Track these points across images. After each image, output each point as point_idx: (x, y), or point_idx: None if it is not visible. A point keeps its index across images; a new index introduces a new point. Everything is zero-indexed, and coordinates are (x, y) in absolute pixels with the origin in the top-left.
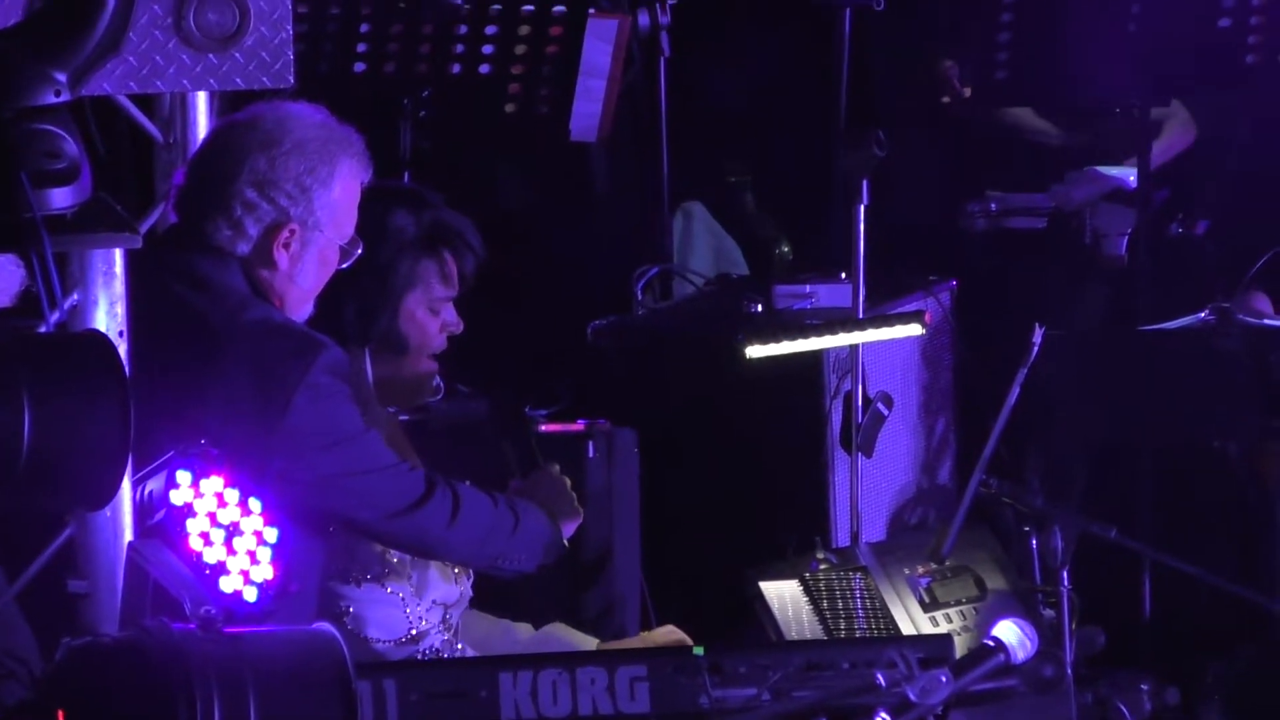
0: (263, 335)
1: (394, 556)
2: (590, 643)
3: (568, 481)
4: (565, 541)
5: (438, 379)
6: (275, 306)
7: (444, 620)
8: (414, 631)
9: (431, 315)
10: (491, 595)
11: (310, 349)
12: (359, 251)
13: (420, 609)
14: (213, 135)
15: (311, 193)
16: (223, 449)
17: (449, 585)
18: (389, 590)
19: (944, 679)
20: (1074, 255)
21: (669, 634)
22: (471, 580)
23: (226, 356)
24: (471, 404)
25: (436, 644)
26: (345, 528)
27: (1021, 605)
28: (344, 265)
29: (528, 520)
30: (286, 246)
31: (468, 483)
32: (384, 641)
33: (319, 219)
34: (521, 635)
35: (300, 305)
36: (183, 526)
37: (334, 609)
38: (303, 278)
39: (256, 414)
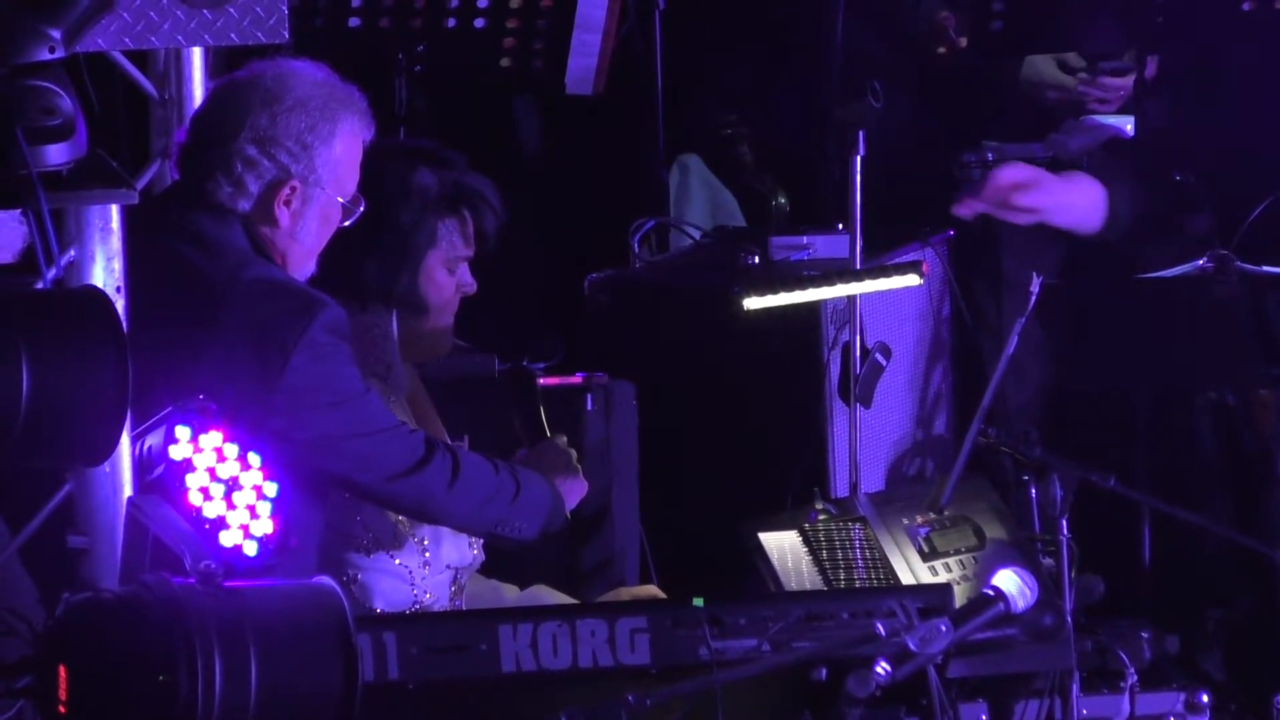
0: (262, 293)
1: (405, 526)
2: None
3: (574, 453)
4: (568, 513)
5: (496, 360)
6: (277, 264)
7: (454, 583)
8: (418, 606)
9: (449, 275)
10: (490, 548)
11: (310, 307)
12: (361, 209)
13: (427, 581)
14: (214, 92)
15: (313, 150)
16: (222, 405)
17: (463, 548)
18: (397, 562)
19: (944, 628)
20: None
21: (645, 591)
22: (482, 542)
23: (226, 314)
24: (472, 359)
25: None
26: (344, 489)
27: (1021, 554)
28: (346, 223)
29: (529, 488)
30: (288, 204)
31: (464, 445)
32: (390, 613)
33: (320, 176)
34: (508, 595)
35: (302, 263)
36: (182, 481)
37: (341, 576)
38: (304, 235)
39: (255, 372)
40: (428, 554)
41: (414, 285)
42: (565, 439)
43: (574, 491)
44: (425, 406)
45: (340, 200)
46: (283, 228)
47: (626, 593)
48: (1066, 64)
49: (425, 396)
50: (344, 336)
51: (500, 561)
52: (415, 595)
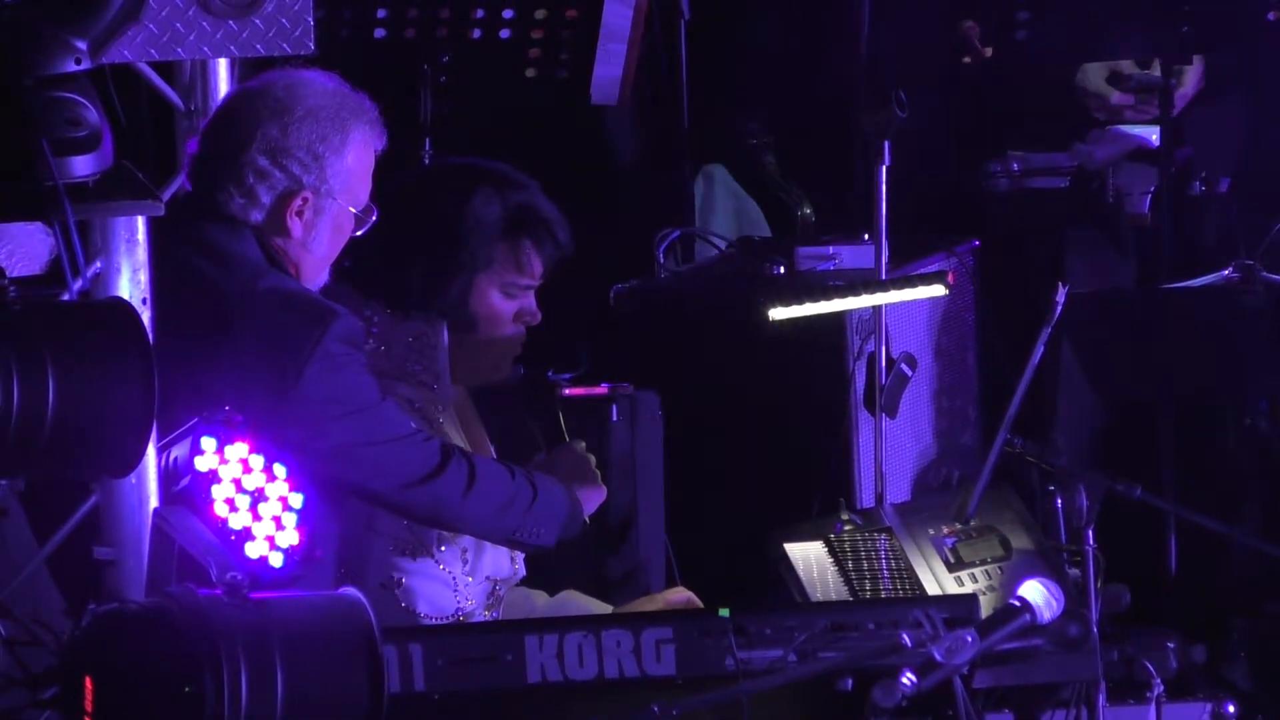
0: (276, 304)
1: (448, 533)
2: (605, 609)
3: (592, 459)
4: (586, 518)
5: (519, 367)
6: (290, 275)
7: (491, 594)
8: (460, 613)
9: (506, 299)
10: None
11: (323, 318)
12: (374, 218)
13: (469, 588)
14: (225, 103)
15: (324, 160)
16: (247, 417)
17: (503, 561)
18: (441, 567)
19: (969, 639)
20: (1096, 214)
21: (677, 593)
22: (524, 557)
23: (240, 325)
24: None
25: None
26: (361, 497)
27: (1047, 564)
28: (359, 232)
29: (546, 494)
30: (300, 214)
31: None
32: (433, 619)
33: (332, 186)
34: (539, 603)
35: (316, 273)
36: (208, 493)
37: (387, 579)
38: (317, 245)
39: (271, 383)
40: (468, 564)
41: (463, 301)
42: (583, 444)
43: (592, 498)
44: (473, 423)
45: (352, 210)
46: (295, 238)
47: (660, 598)
48: (1119, 72)
49: (474, 414)
50: (358, 346)
51: (530, 570)
52: (458, 603)
